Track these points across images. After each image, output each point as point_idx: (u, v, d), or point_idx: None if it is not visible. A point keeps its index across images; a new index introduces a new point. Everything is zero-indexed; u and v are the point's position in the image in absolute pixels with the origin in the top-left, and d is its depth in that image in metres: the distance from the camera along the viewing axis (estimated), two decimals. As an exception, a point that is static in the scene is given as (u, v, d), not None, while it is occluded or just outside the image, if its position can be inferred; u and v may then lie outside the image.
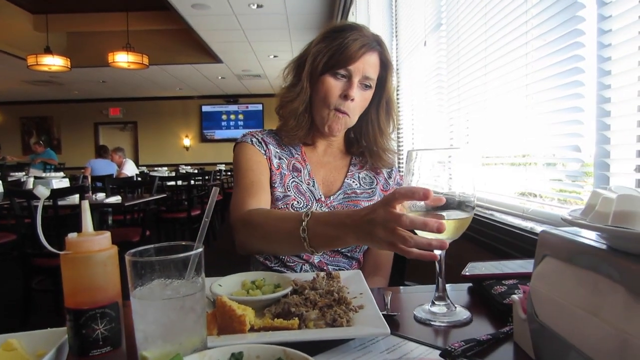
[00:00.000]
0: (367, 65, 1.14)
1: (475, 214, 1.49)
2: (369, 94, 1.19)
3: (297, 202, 1.18)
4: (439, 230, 0.66)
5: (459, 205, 0.72)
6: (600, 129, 0.97)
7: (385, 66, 1.20)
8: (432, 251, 0.72)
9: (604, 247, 0.46)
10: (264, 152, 1.22)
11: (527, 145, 1.31)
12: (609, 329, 0.42)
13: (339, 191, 1.25)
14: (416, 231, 0.71)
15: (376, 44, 1.17)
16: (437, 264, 0.76)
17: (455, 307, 0.78)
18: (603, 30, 0.94)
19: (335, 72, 1.14)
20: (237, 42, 7.50)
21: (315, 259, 1.17)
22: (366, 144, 1.29)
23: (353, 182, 1.28)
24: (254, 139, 1.24)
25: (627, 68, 0.90)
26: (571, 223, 0.47)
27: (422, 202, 0.71)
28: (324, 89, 1.16)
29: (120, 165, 7.30)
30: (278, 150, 1.25)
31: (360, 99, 1.17)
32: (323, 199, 1.22)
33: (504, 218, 1.33)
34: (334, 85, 1.15)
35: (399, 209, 0.72)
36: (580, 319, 0.46)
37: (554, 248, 0.54)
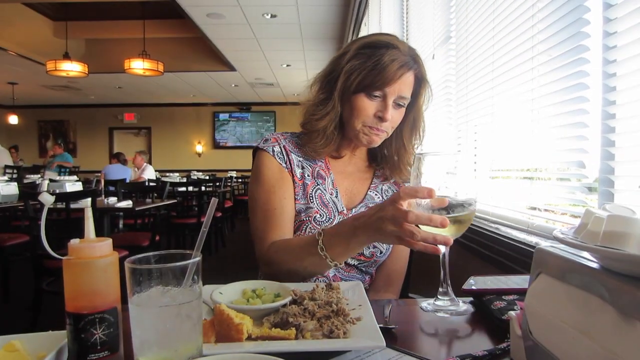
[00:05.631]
0: (404, 85, 1.10)
1: (480, 227, 1.49)
2: (403, 111, 1.16)
3: (320, 215, 1.15)
4: (443, 225, 0.74)
5: (462, 206, 0.78)
6: (605, 145, 0.96)
7: (419, 82, 1.16)
8: (436, 246, 0.79)
9: (596, 266, 0.46)
10: (285, 164, 1.18)
11: (533, 159, 1.31)
12: (599, 349, 0.42)
13: (361, 203, 1.23)
14: (421, 227, 0.79)
15: (413, 62, 1.11)
16: (441, 260, 0.82)
17: (459, 301, 0.83)
18: (608, 47, 0.94)
19: (371, 93, 1.09)
20: (250, 51, 7.59)
21: (330, 272, 1.15)
22: (388, 154, 1.26)
23: (375, 194, 1.25)
24: (276, 148, 1.19)
25: (632, 84, 0.89)
26: (561, 241, 0.47)
27: (427, 202, 0.77)
28: (357, 108, 1.11)
29: (139, 168, 7.41)
30: (301, 159, 1.21)
31: (395, 118, 1.14)
32: (345, 211, 1.19)
33: (509, 232, 1.32)
34: (368, 105, 1.10)
35: (405, 207, 0.79)
36: (571, 338, 0.46)
37: (548, 265, 0.54)
